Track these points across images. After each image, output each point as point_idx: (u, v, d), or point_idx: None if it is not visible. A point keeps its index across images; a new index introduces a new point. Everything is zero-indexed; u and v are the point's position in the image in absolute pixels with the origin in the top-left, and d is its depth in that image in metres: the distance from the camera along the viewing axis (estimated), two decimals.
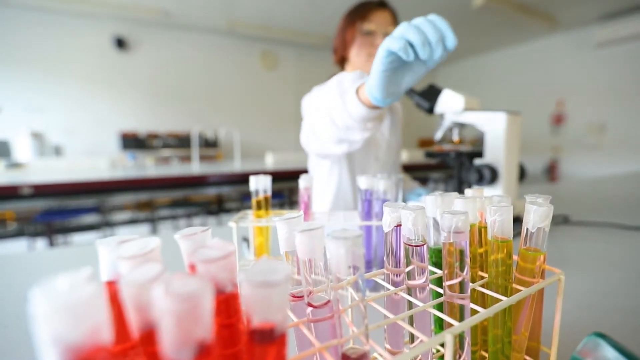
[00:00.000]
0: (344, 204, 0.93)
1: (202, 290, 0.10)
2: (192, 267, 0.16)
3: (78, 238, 2.70)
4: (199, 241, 0.16)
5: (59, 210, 2.18)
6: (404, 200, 0.89)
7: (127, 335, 0.14)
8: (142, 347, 0.12)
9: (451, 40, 0.37)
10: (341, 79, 0.57)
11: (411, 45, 0.38)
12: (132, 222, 3.14)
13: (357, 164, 0.93)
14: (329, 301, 0.18)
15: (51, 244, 2.17)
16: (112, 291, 0.14)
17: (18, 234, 2.57)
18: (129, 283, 0.11)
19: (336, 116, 0.55)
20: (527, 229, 0.21)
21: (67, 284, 0.09)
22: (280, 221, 0.19)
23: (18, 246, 2.50)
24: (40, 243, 2.45)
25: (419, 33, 0.37)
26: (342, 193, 0.92)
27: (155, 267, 0.12)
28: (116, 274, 0.14)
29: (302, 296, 0.19)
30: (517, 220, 0.60)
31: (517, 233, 0.22)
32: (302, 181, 0.40)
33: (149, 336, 0.12)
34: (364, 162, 0.93)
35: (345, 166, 0.91)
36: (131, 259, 0.13)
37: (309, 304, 0.18)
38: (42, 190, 1.79)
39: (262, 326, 0.12)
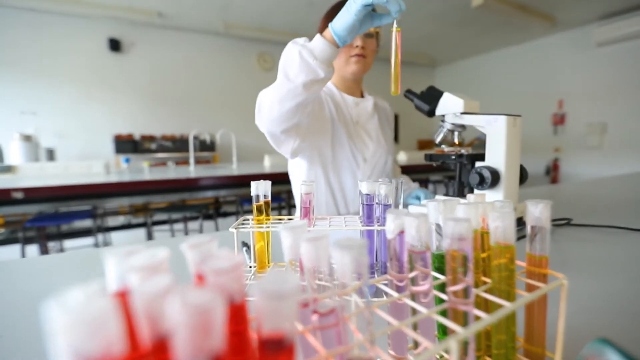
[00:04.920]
0: (325, 209, 0.92)
1: (216, 302, 0.10)
2: (200, 277, 0.16)
3: (71, 243, 2.66)
4: (205, 251, 0.16)
5: (51, 215, 2.15)
6: (403, 204, 0.89)
7: (136, 345, 0.14)
8: (152, 356, 0.12)
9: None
10: (295, 40, 0.63)
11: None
12: (127, 226, 3.10)
13: (343, 165, 0.92)
14: (334, 308, 0.18)
15: (43, 250, 2.14)
16: (121, 302, 0.14)
17: (8, 239, 2.53)
18: (142, 295, 0.11)
19: (294, 61, 0.61)
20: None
21: (82, 297, 0.09)
22: (285, 230, 0.19)
23: (9, 252, 2.46)
24: (32, 249, 2.41)
25: None
26: (318, 194, 0.91)
27: (166, 279, 0.12)
28: (124, 284, 0.14)
29: (307, 304, 0.19)
30: (519, 223, 0.59)
31: (519, 236, 0.22)
32: (304, 187, 0.40)
33: (160, 345, 0.12)
34: (349, 164, 0.92)
35: (320, 167, 0.90)
36: (141, 271, 0.13)
37: (315, 312, 0.18)
38: (34, 195, 1.76)
39: (272, 335, 0.12)
